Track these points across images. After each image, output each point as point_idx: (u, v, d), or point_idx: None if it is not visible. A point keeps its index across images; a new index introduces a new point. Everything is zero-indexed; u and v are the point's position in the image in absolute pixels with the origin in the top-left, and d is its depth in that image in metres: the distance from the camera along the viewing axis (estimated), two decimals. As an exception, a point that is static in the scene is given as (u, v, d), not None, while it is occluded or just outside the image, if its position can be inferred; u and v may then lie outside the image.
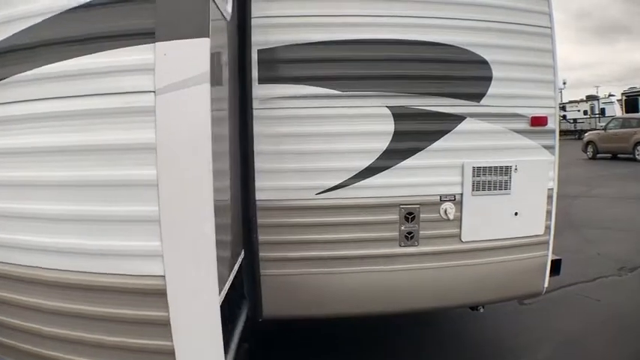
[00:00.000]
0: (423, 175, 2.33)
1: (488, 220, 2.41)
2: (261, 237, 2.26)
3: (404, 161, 2.30)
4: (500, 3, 2.34)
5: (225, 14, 1.81)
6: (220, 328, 1.29)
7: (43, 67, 1.33)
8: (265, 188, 2.23)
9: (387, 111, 2.27)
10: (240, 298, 2.27)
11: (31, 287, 1.46)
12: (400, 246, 2.35)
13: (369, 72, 2.25)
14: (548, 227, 2.51)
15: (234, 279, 2.05)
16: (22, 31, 1.36)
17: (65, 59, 1.30)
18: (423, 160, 2.32)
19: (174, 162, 1.22)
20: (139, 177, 1.28)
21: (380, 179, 2.29)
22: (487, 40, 2.34)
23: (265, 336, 2.82)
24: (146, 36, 1.22)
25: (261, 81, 2.19)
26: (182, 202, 1.23)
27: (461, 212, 2.38)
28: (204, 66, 1.18)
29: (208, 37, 1.18)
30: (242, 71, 2.15)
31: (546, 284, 2.57)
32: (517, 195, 2.43)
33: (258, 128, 2.20)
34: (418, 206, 2.34)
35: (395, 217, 2.33)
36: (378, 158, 2.28)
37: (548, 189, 2.49)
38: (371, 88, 2.25)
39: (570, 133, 25.81)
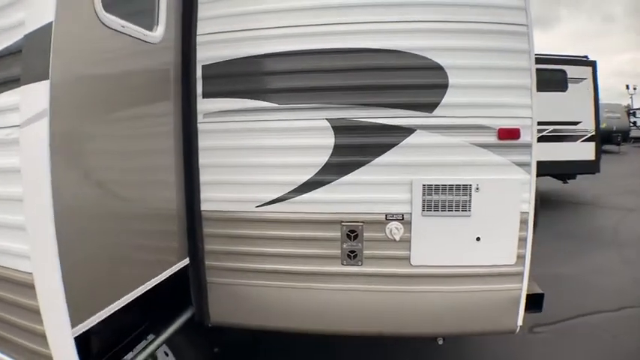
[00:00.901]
0: (367, 192, 2.19)
1: (443, 245, 2.17)
2: (207, 246, 2.35)
3: (345, 176, 2.19)
4: (459, 0, 2.08)
5: (149, 40, 1.95)
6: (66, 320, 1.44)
7: None
8: (210, 199, 2.32)
9: (327, 124, 2.18)
10: (180, 303, 2.39)
11: None
12: (342, 264, 2.24)
13: (307, 84, 2.19)
14: (521, 257, 2.15)
15: (171, 284, 2.19)
16: None
17: None
18: (366, 175, 2.17)
19: (28, 181, 1.38)
20: (10, 194, 1.48)
21: (320, 194, 2.21)
22: (441, 42, 2.10)
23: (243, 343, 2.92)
24: (17, 81, 1.42)
25: (205, 95, 2.28)
26: (36, 213, 1.40)
27: (410, 233, 2.17)
28: (44, 104, 1.33)
29: (48, 79, 1.33)
30: (186, 87, 2.26)
31: (520, 322, 2.21)
32: (479, 218, 2.14)
33: (202, 142, 2.29)
34: (361, 224, 2.20)
35: (337, 234, 2.22)
36: (317, 173, 2.21)
37: (522, 212, 2.14)
38: (309, 100, 2.19)
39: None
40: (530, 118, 2.11)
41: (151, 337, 2.19)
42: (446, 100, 2.11)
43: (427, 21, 2.09)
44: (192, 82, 2.26)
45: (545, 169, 8.56)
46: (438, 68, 2.10)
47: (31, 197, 1.40)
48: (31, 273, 1.46)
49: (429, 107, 2.12)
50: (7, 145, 1.50)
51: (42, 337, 1.48)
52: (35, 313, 1.47)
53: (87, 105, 1.62)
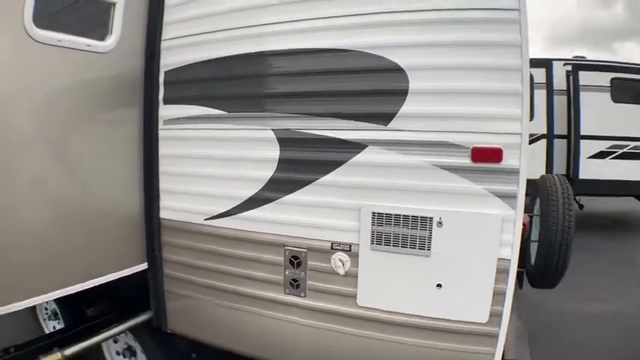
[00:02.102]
0: (312, 215, 1.89)
1: (395, 287, 1.77)
2: (165, 254, 2.32)
3: (289, 195, 1.92)
4: None
5: (97, 49, 1.95)
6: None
7: None
8: (168, 208, 2.26)
9: (272, 135, 1.93)
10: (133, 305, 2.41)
11: None
12: (285, 293, 1.99)
13: (254, 90, 1.96)
14: (497, 315, 1.64)
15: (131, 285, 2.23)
16: None
17: None
18: (311, 196, 1.87)
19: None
20: None
21: (263, 212, 1.99)
22: (401, 37, 1.66)
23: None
24: None
25: (165, 101, 2.20)
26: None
27: (357, 268, 1.82)
28: None
29: None
30: (149, 93, 2.21)
31: (496, 397, 1.70)
32: (441, 260, 1.68)
33: (162, 149, 2.23)
34: (305, 250, 1.92)
35: (280, 258, 1.98)
36: (262, 188, 1.98)
37: (500, 259, 1.61)
38: (256, 108, 1.96)
39: None
40: (519, 134, 1.56)
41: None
42: (405, 109, 1.68)
43: (383, 12, 1.67)
44: (154, 87, 2.20)
45: (627, 188, 7.04)
46: (397, 70, 1.67)
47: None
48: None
49: (384, 118, 1.71)
50: None
51: None
52: None
53: (19, 115, 1.69)
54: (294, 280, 1.96)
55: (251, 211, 2.01)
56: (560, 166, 7.23)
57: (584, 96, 6.96)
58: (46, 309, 3.18)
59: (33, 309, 3.16)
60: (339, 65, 1.76)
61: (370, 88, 1.73)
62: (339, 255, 1.84)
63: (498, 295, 1.63)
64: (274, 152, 1.93)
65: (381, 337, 1.82)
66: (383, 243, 1.75)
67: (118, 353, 2.73)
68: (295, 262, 1.94)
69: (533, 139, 7.04)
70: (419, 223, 1.69)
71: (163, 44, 2.17)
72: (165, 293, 2.36)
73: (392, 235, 1.73)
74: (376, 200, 1.75)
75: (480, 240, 1.62)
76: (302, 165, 1.88)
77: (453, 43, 1.61)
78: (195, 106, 2.11)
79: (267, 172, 1.95)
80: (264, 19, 1.86)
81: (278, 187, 1.94)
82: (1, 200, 1.69)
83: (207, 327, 2.26)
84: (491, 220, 1.60)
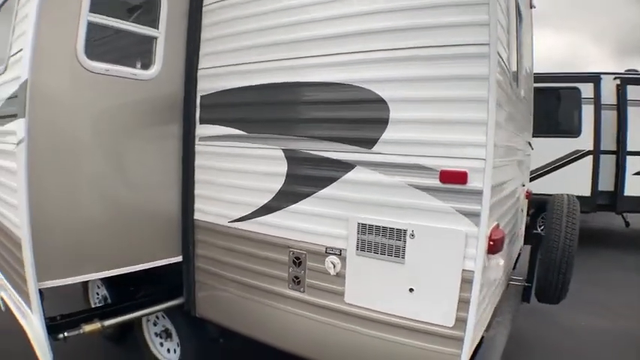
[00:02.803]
0: (311, 222, 2.23)
1: (375, 288, 2.05)
2: (197, 250, 2.77)
3: (294, 205, 2.28)
4: (410, 23, 1.90)
5: (141, 77, 2.45)
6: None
7: None
8: (201, 210, 2.72)
9: (282, 153, 2.30)
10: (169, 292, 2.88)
11: None
12: (289, 288, 2.34)
13: (268, 115, 2.35)
14: (462, 321, 1.85)
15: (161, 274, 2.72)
16: None
17: None
18: (311, 206, 2.22)
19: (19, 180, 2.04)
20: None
21: (274, 218, 2.36)
22: (384, 73, 1.96)
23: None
24: (16, 116, 2.06)
25: (201, 121, 2.67)
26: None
27: (345, 270, 2.13)
28: (23, 134, 1.92)
29: (24, 117, 1.91)
30: (187, 113, 2.69)
31: (461, 395, 1.90)
32: (413, 267, 1.94)
33: (197, 161, 2.70)
34: (305, 253, 2.26)
35: (285, 257, 2.34)
36: (273, 198, 2.36)
37: (465, 270, 1.83)
38: (270, 130, 2.34)
39: None
40: (484, 159, 1.79)
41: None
42: (386, 135, 1.97)
43: (368, 51, 1.98)
44: (192, 109, 2.68)
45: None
46: (380, 101, 1.97)
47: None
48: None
49: (369, 143, 2.01)
50: (10, 154, 2.15)
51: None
52: None
53: (76, 131, 2.21)
54: (296, 278, 2.30)
55: (264, 216, 2.39)
56: (608, 183, 6.91)
57: (631, 111, 6.62)
58: (98, 294, 3.69)
59: (86, 294, 3.72)
60: (335, 96, 2.10)
61: (359, 116, 2.04)
62: (331, 258, 2.16)
63: (463, 303, 1.84)
64: (283, 168, 2.30)
65: (363, 331, 2.10)
66: (366, 250, 2.05)
67: (156, 334, 3.22)
68: (297, 262, 2.29)
69: (579, 155, 6.81)
70: (395, 234, 1.96)
71: (200, 72, 2.63)
72: (196, 283, 2.81)
73: (373, 243, 2.02)
74: (361, 212, 2.05)
75: (447, 252, 1.86)
76: (304, 180, 2.23)
77: (428, 78, 1.87)
78: (223, 127, 2.55)
79: (277, 185, 2.32)
80: (275, 56, 2.25)
81: (285, 197, 2.30)
82: (68, 195, 2.20)
83: (227, 314, 2.66)
84: (457, 235, 1.83)
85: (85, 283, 3.69)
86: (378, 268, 2.03)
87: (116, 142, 2.40)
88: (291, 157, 2.27)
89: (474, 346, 1.95)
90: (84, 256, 2.31)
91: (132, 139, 2.49)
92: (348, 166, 2.08)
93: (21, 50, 2.04)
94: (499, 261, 2.12)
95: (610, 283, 5.92)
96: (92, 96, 2.26)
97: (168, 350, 3.15)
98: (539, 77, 7.37)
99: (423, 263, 1.91)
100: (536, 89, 7.30)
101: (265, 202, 2.38)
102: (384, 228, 1.99)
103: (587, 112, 6.81)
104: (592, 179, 6.76)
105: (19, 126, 1.99)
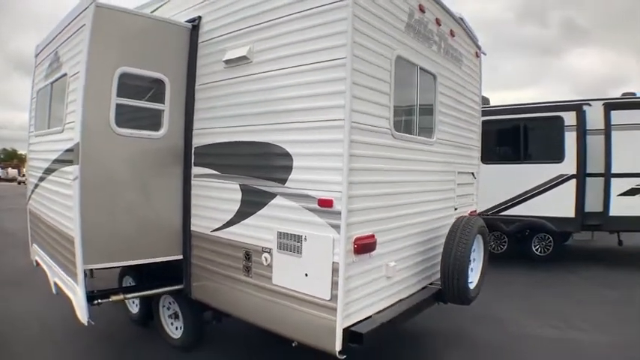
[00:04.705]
0: (255, 231, 3.40)
1: (288, 273, 3.15)
2: (192, 251, 4.04)
3: (245, 219, 3.47)
4: (304, 106, 3.05)
5: (153, 137, 3.82)
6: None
7: None
8: (194, 223, 4.00)
9: (238, 186, 3.52)
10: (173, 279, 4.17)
11: None
12: (243, 275, 3.52)
13: (229, 162, 3.60)
14: (335, 296, 2.89)
15: (164, 267, 4.02)
16: None
17: None
18: (254, 220, 3.40)
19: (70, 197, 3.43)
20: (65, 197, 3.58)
21: (234, 228, 3.57)
22: (290, 137, 3.12)
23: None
24: (72, 162, 3.50)
25: (195, 164, 3.98)
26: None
27: (272, 262, 3.26)
28: (77, 174, 3.32)
29: (78, 164, 3.33)
30: (187, 159, 4.02)
31: (338, 347, 2.88)
32: (306, 260, 3.03)
33: (193, 190, 4.00)
34: (252, 251, 3.43)
35: (241, 254, 3.52)
36: (234, 215, 3.57)
37: (333, 262, 2.89)
38: (231, 171, 3.58)
39: None
40: (341, 192, 2.86)
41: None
42: (292, 176, 3.12)
43: (282, 123, 3.16)
44: (189, 156, 4.00)
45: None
46: (288, 155, 3.13)
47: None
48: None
49: (283, 180, 3.17)
50: (69, 186, 3.54)
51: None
52: None
53: (110, 172, 3.59)
54: (247, 267, 3.47)
55: (229, 227, 3.61)
56: (596, 204, 7.30)
57: (615, 135, 7.04)
58: (128, 282, 5.10)
59: (120, 282, 5.13)
60: (264, 150, 3.29)
61: (277, 164, 3.21)
62: (265, 254, 3.30)
63: (335, 284, 2.89)
64: (239, 196, 3.51)
65: (282, 302, 3.19)
66: (282, 249, 3.17)
67: (169, 317, 4.55)
68: (247, 257, 3.46)
69: (561, 180, 7.31)
70: (296, 239, 3.07)
71: (194, 132, 3.96)
72: (192, 275, 4.07)
73: (286, 244, 3.14)
74: (280, 225, 3.19)
75: (323, 250, 2.94)
76: (251, 204, 3.42)
77: (314, 141, 3.00)
78: (207, 169, 3.83)
79: (236, 207, 3.54)
80: (229, 123, 3.53)
81: (241, 215, 3.50)
82: (105, 210, 3.55)
83: (212, 295, 3.87)
84: (328, 240, 2.91)
85: (121, 276, 5.13)
86: (288, 260, 3.14)
87: (138, 178, 3.77)
88: (244, 189, 3.48)
89: (346, 313, 2.96)
90: (114, 250, 3.66)
91: (149, 176, 3.85)
92: (273, 195, 3.25)
93: (73, 122, 3.46)
94: (374, 260, 3.14)
95: (580, 299, 6.31)
96: (121, 150, 3.65)
97: (177, 328, 4.45)
98: (525, 109, 8.06)
99: (312, 257, 3.00)
100: (523, 119, 7.99)
101: (229, 217, 3.60)
102: (291, 235, 3.11)
103: (570, 138, 7.33)
104: (575, 201, 7.21)
105: (74, 169, 3.39)
